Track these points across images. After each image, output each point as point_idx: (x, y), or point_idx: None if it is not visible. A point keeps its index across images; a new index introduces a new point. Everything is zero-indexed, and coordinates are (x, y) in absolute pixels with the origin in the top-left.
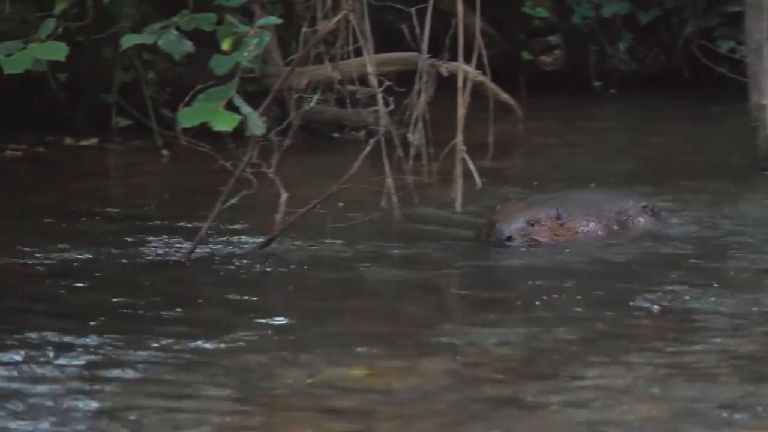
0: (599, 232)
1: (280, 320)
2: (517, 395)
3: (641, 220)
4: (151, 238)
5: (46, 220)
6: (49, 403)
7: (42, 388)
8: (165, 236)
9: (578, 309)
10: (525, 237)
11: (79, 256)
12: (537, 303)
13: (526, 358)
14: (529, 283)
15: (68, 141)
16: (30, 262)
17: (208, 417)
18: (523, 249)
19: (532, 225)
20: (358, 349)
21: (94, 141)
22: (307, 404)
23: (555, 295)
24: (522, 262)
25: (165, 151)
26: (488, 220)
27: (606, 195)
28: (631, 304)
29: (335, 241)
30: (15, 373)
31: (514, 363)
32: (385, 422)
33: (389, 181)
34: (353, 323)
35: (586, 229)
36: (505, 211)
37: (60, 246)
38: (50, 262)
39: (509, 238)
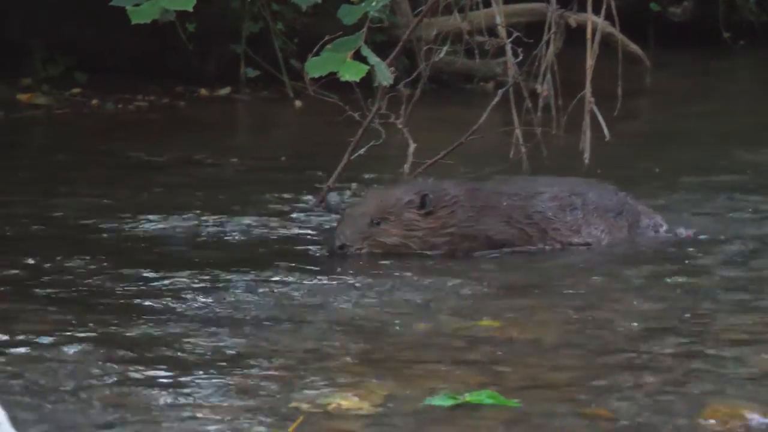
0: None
1: (408, 275)
2: (640, 349)
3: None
4: (280, 188)
5: (173, 170)
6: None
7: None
8: (294, 186)
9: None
10: (366, 240)
11: (209, 207)
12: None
13: (660, 314)
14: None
15: (203, 92)
16: (160, 212)
17: (340, 370)
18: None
19: (377, 223)
20: (488, 302)
21: (226, 91)
22: (437, 355)
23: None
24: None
25: (297, 102)
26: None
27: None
28: None
29: None
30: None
31: (642, 319)
32: (513, 374)
33: (518, 132)
34: (484, 276)
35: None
36: (355, 205)
37: (186, 196)
38: (178, 211)
39: (342, 247)
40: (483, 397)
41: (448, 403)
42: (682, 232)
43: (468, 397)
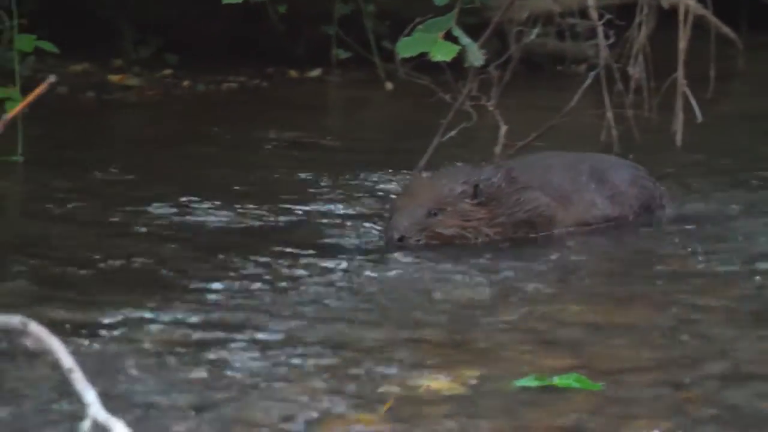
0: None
1: (488, 256)
2: (729, 335)
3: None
4: (370, 170)
5: (264, 151)
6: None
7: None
8: (384, 168)
9: None
10: (424, 232)
11: (299, 187)
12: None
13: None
14: None
15: (293, 73)
16: (250, 192)
17: (430, 353)
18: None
19: (435, 214)
20: (576, 284)
21: (317, 73)
22: (525, 338)
23: None
24: None
25: (389, 84)
26: (390, 206)
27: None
28: None
29: None
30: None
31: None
32: (600, 357)
33: (609, 115)
34: (567, 256)
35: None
36: (408, 195)
37: (277, 175)
38: (268, 190)
39: (401, 239)
40: (570, 380)
41: (535, 384)
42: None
43: (556, 381)
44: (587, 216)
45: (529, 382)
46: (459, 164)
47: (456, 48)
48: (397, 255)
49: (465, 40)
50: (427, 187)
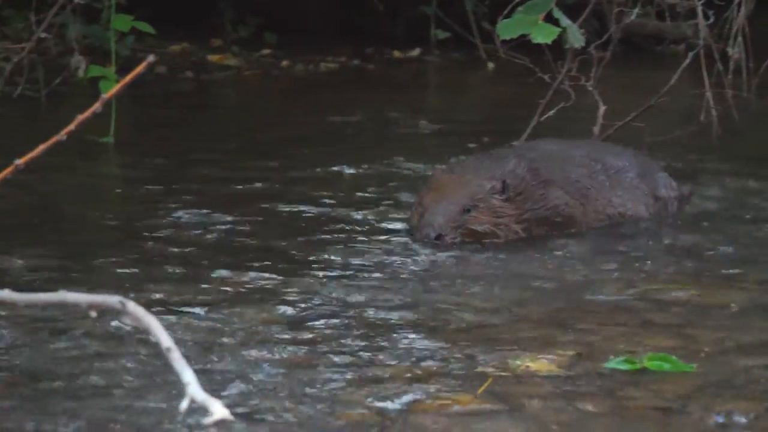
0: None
1: (594, 234)
2: None
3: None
4: (470, 148)
5: (365, 131)
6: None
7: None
8: (484, 147)
9: None
10: (459, 229)
11: (396, 166)
12: None
13: None
14: None
15: (395, 54)
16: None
17: (529, 333)
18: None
19: (468, 211)
20: (674, 266)
21: (416, 53)
22: (625, 318)
23: None
24: None
25: (490, 64)
26: (417, 200)
27: (593, 148)
28: None
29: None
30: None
31: None
32: (702, 338)
33: (708, 95)
34: (676, 238)
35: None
36: (436, 191)
37: (376, 155)
38: (368, 170)
39: (438, 237)
40: (661, 362)
41: (625, 367)
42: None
43: (646, 362)
44: (604, 214)
45: (620, 364)
46: (473, 156)
47: (556, 30)
48: (494, 239)
49: (565, 21)
50: (456, 182)
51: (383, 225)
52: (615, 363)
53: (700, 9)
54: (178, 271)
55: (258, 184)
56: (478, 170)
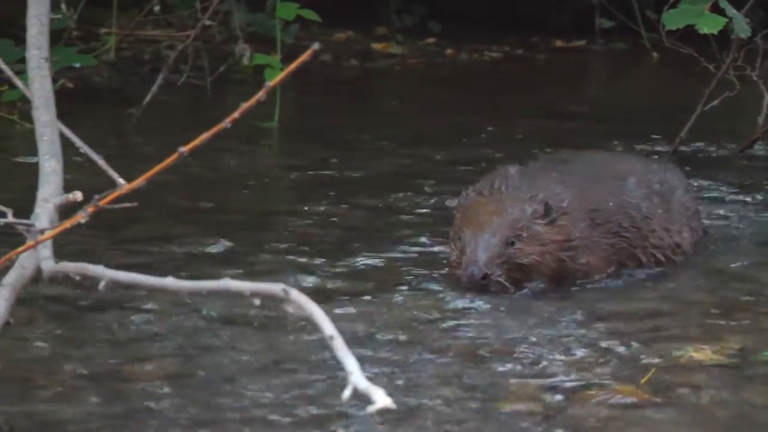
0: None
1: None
2: None
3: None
4: (635, 138)
5: (527, 121)
6: None
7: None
8: (648, 138)
9: None
10: (505, 265)
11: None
12: None
13: None
14: None
15: (558, 43)
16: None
17: (694, 323)
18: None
19: (512, 243)
20: None
21: (581, 42)
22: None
23: None
24: None
25: (655, 53)
26: (454, 230)
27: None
28: None
29: None
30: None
31: None
32: None
33: None
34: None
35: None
36: (474, 220)
37: (538, 145)
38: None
39: (484, 278)
40: None
41: None
42: None
43: None
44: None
45: (763, 356)
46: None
47: (723, 20)
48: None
49: (731, 11)
50: (494, 209)
51: None
52: (765, 355)
53: None
54: (340, 258)
55: (421, 175)
56: (516, 192)
